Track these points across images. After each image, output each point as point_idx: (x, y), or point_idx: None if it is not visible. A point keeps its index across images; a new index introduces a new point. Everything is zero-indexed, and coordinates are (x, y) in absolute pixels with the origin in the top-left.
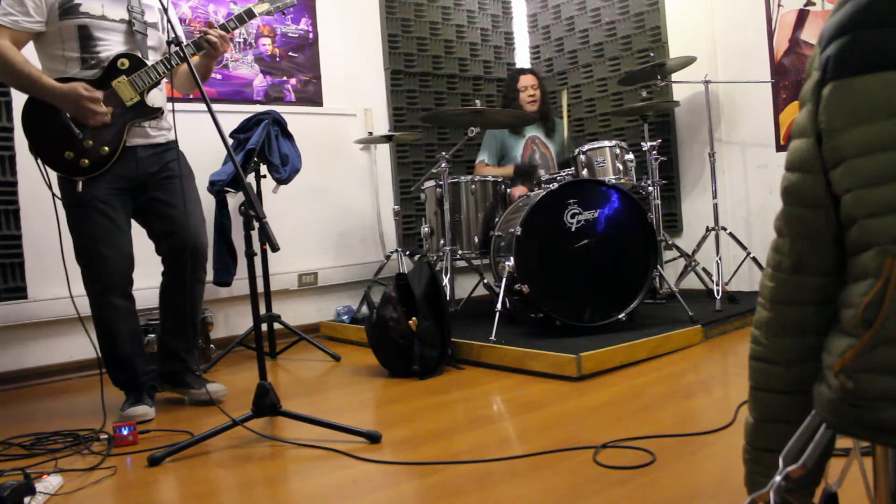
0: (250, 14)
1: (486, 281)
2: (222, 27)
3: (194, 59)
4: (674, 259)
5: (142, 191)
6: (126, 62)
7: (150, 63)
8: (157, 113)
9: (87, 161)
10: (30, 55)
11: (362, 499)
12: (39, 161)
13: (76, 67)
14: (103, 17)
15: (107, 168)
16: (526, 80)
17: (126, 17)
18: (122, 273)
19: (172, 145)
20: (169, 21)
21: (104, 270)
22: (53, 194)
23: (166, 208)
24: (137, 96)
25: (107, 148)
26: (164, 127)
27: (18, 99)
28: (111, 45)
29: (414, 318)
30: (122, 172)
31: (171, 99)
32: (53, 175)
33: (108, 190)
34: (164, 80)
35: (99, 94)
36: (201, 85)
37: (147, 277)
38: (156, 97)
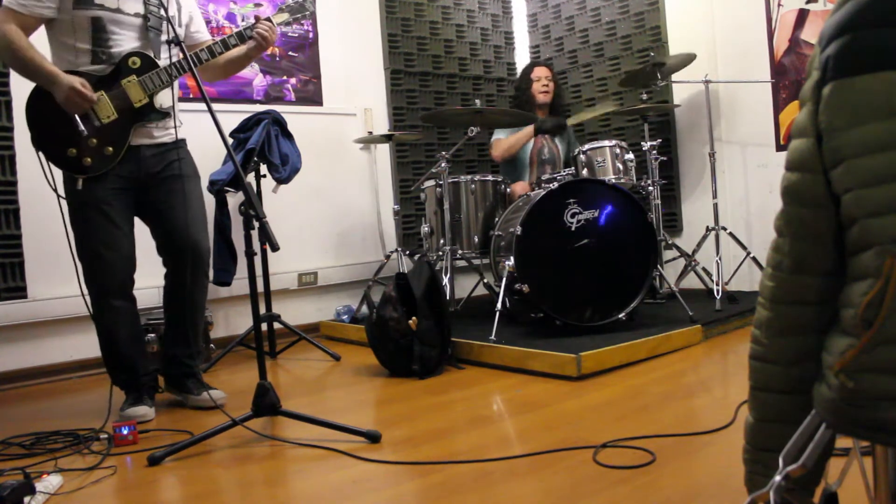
0: (288, 17)
1: (486, 281)
2: (267, 19)
3: (238, 50)
4: (674, 259)
5: (144, 191)
6: (138, 61)
7: (162, 60)
8: (165, 116)
9: (90, 160)
10: (41, 43)
11: (362, 499)
12: (41, 155)
13: (87, 61)
14: (118, 10)
15: (109, 168)
16: (540, 72)
17: (142, 11)
18: (122, 274)
19: (178, 144)
20: (169, 21)
21: (104, 271)
22: (56, 191)
23: (167, 210)
24: (146, 98)
25: (111, 148)
26: (170, 125)
27: (19, 98)
28: (124, 40)
29: (414, 318)
30: (124, 172)
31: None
32: (58, 172)
33: (109, 190)
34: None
35: (94, 96)
36: (193, 84)
37: (147, 276)
38: (164, 97)
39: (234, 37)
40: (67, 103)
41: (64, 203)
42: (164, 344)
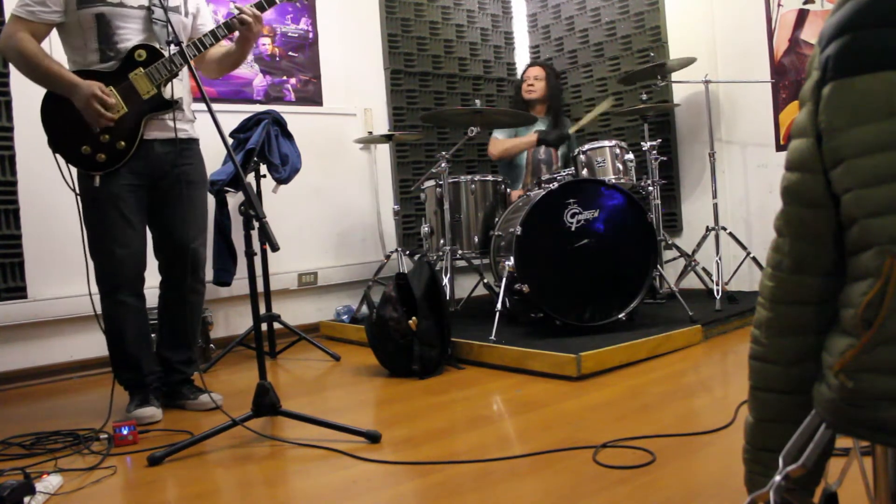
0: (271, 2)
1: (486, 281)
2: (258, 6)
3: (229, 44)
4: (674, 259)
5: (154, 188)
6: (143, 53)
7: (167, 53)
8: (173, 105)
9: (103, 156)
10: (56, 48)
11: (362, 499)
12: (58, 156)
13: (96, 59)
14: (121, 4)
15: (124, 162)
16: (530, 72)
17: (146, 2)
18: (133, 271)
19: (190, 145)
20: (168, 22)
21: (115, 268)
22: (74, 190)
23: (169, 213)
24: (154, 89)
25: (123, 143)
26: (188, 119)
27: (19, 98)
28: (129, 34)
29: (414, 318)
30: (139, 167)
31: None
32: (74, 170)
33: (124, 186)
34: (186, 72)
35: (113, 100)
36: (190, 80)
37: (153, 276)
38: (176, 88)
39: (222, 27)
40: (87, 112)
41: (79, 200)
42: (158, 348)
